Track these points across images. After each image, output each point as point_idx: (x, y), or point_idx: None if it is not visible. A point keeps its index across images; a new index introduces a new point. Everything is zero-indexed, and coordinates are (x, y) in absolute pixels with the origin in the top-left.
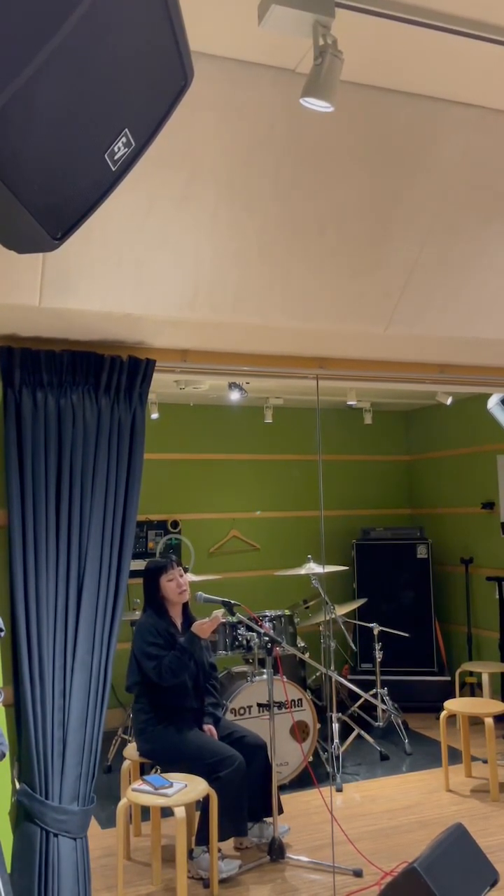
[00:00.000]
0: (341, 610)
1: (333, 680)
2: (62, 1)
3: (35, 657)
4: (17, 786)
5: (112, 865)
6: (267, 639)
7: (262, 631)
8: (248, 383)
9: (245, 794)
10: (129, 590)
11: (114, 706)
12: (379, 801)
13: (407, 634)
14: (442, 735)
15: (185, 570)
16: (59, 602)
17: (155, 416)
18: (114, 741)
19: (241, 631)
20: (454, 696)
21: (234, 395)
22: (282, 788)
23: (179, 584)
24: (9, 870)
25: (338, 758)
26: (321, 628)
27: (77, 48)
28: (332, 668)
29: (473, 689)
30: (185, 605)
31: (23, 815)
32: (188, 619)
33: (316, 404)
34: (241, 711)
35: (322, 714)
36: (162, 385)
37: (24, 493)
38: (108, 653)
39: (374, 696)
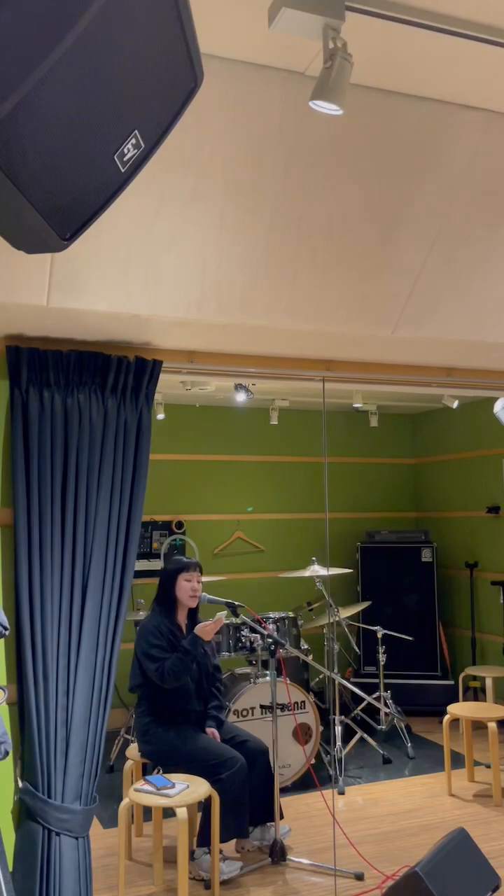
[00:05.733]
0: (345, 612)
1: (337, 682)
2: (73, 3)
3: (39, 656)
4: (20, 784)
5: (113, 865)
6: (270, 641)
7: (266, 633)
8: (254, 385)
9: (247, 795)
10: (134, 590)
11: (117, 706)
12: (381, 804)
13: (411, 638)
14: (445, 739)
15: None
16: (63, 601)
17: (161, 416)
18: (116, 741)
19: (245, 632)
20: (458, 700)
21: (240, 397)
22: (284, 791)
23: (195, 587)
24: (10, 868)
25: (340, 761)
26: (325, 631)
27: (87, 50)
28: (336, 670)
29: (477, 694)
30: (193, 611)
31: (25, 813)
32: (194, 623)
33: (322, 406)
34: (244, 713)
35: (325, 717)
36: (168, 386)
37: (29, 492)
38: (111, 652)
39: (378, 699)
